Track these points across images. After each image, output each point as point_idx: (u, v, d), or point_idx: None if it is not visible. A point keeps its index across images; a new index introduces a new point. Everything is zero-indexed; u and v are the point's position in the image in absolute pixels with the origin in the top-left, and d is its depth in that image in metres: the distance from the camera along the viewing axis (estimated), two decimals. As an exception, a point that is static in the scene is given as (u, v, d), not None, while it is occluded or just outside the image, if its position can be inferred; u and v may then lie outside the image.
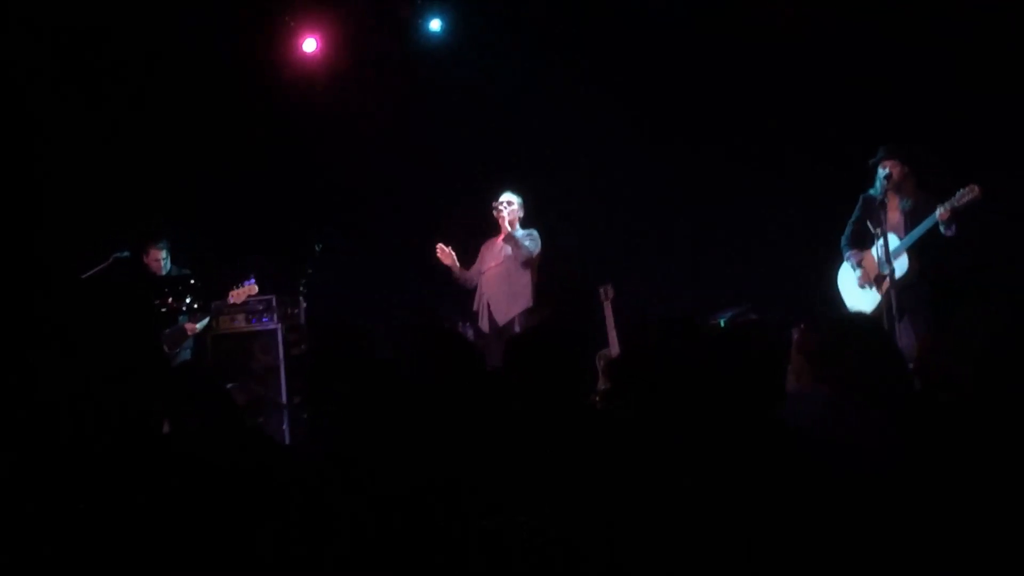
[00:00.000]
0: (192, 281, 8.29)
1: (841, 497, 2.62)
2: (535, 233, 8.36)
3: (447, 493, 2.71)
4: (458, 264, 8.52)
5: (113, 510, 2.67)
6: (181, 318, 8.42)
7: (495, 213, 8.37)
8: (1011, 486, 2.61)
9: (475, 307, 8.45)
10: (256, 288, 8.62)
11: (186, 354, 8.56)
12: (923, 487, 2.68)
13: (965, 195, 7.03)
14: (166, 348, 8.34)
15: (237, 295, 8.60)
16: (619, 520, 2.64)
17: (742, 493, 2.59)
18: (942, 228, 7.13)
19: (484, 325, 8.30)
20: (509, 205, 8.35)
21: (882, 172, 7.43)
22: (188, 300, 8.12)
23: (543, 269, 8.35)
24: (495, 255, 8.41)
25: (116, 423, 3.06)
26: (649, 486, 2.65)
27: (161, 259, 8.68)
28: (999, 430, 2.77)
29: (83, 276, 8.42)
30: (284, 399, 8.78)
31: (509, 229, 8.30)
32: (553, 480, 2.78)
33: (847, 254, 7.72)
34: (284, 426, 8.63)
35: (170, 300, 8.10)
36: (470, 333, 8.47)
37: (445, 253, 8.46)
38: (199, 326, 8.60)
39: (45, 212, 8.72)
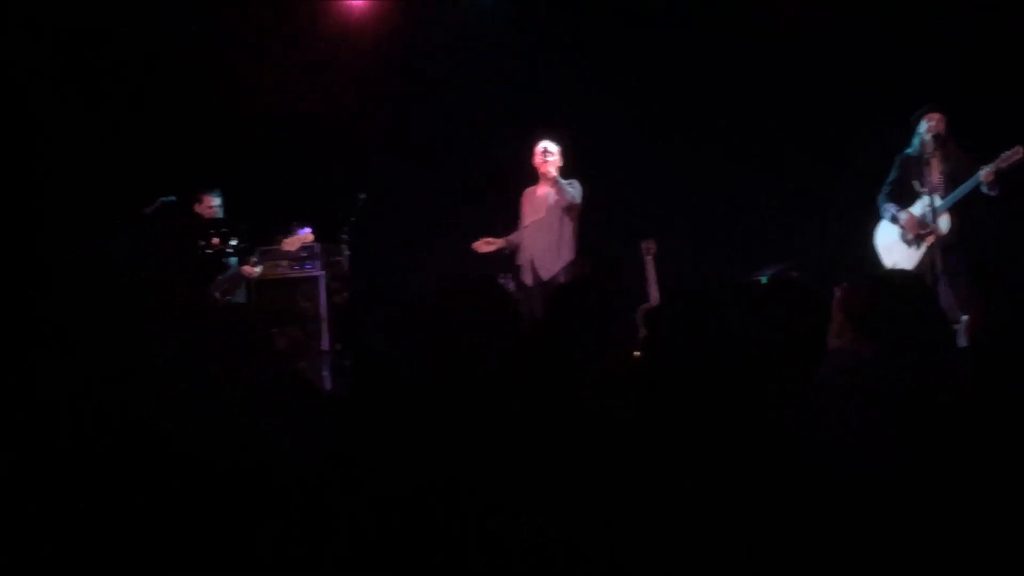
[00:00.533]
0: (240, 224, 8.20)
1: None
2: (576, 183, 8.31)
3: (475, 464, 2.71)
4: (502, 240, 8.51)
5: (113, 509, 2.67)
6: (231, 260, 8.34)
7: (538, 161, 8.31)
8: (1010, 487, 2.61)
9: (519, 261, 8.43)
10: (311, 236, 8.55)
11: (240, 298, 8.52)
12: (931, 484, 2.67)
13: (1010, 156, 7.02)
14: (218, 294, 8.27)
15: (290, 243, 8.53)
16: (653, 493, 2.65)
17: (784, 457, 2.60)
18: (985, 189, 7.12)
19: (528, 279, 8.27)
20: (551, 154, 8.29)
21: (924, 125, 7.40)
22: (234, 241, 8.06)
23: (585, 222, 8.33)
24: (537, 207, 8.36)
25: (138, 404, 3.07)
26: (691, 447, 2.65)
27: (215, 206, 8.50)
28: (999, 430, 2.77)
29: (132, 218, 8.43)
30: (326, 346, 8.83)
31: (553, 172, 8.25)
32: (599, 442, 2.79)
33: (886, 209, 7.65)
34: (325, 372, 8.69)
35: (215, 241, 8.05)
36: (511, 285, 8.50)
37: (487, 244, 8.47)
38: (257, 270, 8.44)
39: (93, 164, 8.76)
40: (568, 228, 8.21)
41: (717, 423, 2.71)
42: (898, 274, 5.15)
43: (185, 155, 9.10)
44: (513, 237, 8.48)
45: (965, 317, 5.94)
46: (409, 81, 9.80)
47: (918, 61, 8.24)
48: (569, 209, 8.21)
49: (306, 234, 8.53)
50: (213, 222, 8.37)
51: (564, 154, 8.32)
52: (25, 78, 8.66)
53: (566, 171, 8.30)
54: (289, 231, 8.55)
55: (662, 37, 9.23)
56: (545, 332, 3.48)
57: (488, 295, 3.28)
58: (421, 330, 3.16)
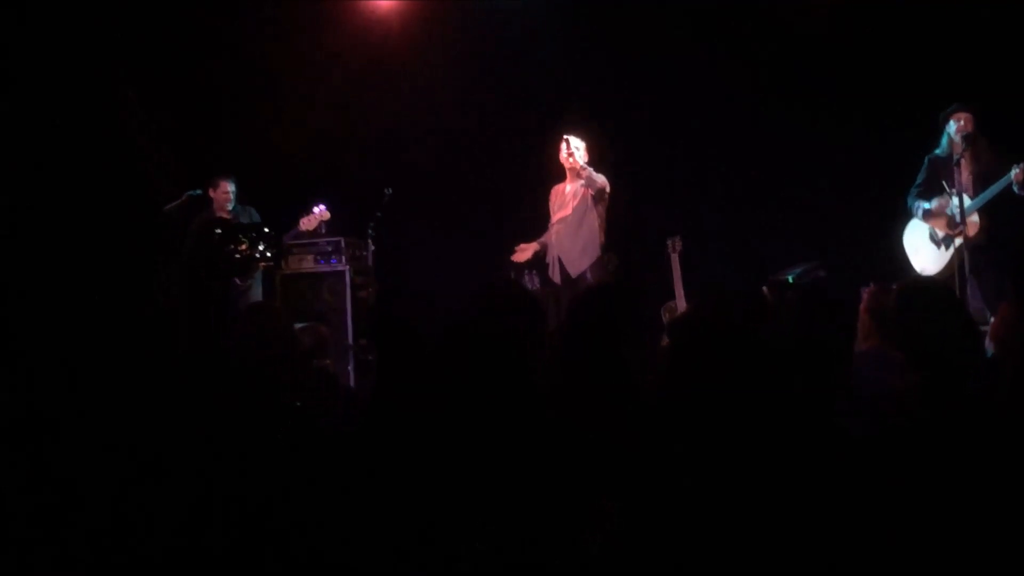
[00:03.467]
0: (267, 229, 8.26)
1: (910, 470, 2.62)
2: (603, 176, 8.25)
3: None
4: (535, 244, 8.44)
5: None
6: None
7: (563, 155, 8.25)
8: None
9: (547, 259, 8.37)
10: (328, 214, 8.77)
11: (256, 292, 8.59)
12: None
13: (1044, 155, 6.96)
14: (238, 281, 8.31)
15: (308, 222, 8.73)
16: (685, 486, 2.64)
17: (810, 462, 2.59)
18: (1016, 188, 7.04)
19: (555, 277, 8.21)
20: (577, 149, 8.23)
21: (953, 125, 7.33)
22: (262, 247, 8.09)
23: (612, 219, 8.29)
24: (564, 204, 8.30)
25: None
26: (715, 451, 2.64)
27: (230, 192, 8.68)
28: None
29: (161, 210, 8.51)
30: (350, 340, 8.84)
31: (580, 162, 8.20)
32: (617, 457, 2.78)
33: (918, 205, 7.57)
34: (349, 367, 8.70)
35: (244, 247, 8.08)
36: (536, 282, 8.47)
37: (522, 252, 8.44)
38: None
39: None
40: (594, 225, 8.16)
41: (742, 426, 2.69)
42: (923, 281, 5.10)
43: (210, 148, 9.15)
44: (545, 238, 8.43)
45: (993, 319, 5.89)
46: (436, 76, 9.79)
47: (949, 58, 8.16)
48: (597, 199, 8.14)
49: (322, 211, 8.71)
50: (243, 226, 8.40)
51: (590, 149, 8.28)
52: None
53: (592, 167, 8.24)
54: (306, 210, 8.69)
55: (693, 33, 9.17)
56: (569, 334, 3.47)
57: (515, 299, 3.28)
58: (450, 332, 3.16)
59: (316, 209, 8.77)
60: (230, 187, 8.71)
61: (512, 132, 9.68)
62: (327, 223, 8.89)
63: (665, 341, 3.70)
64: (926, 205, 7.46)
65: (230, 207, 8.70)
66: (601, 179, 8.12)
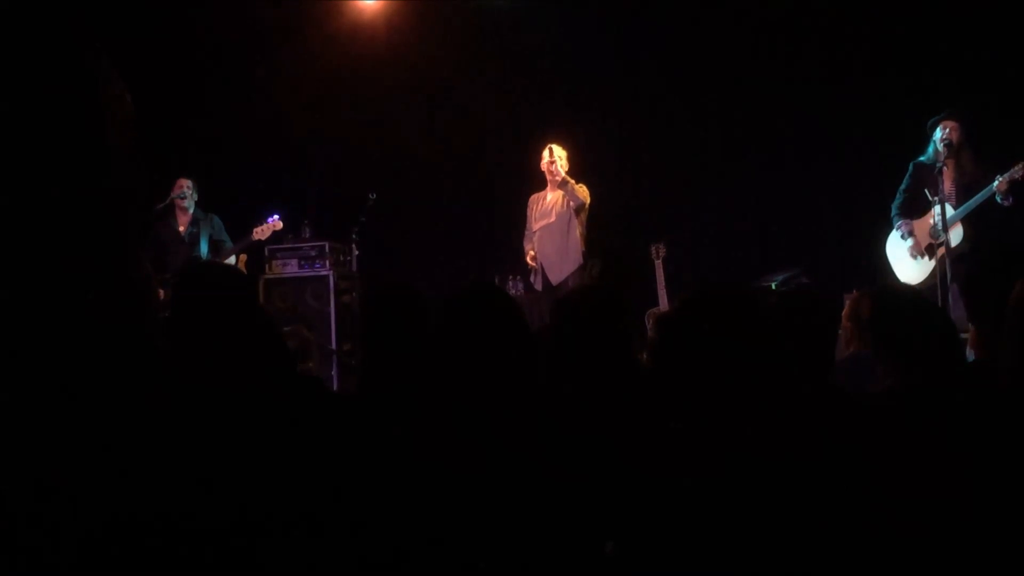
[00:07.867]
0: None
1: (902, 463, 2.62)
2: (583, 186, 8.27)
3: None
4: (530, 250, 8.42)
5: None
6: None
7: (545, 164, 8.27)
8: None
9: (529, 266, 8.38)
10: (281, 224, 8.63)
11: None
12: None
13: (1025, 166, 6.96)
14: None
15: (261, 231, 8.60)
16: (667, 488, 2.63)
17: (796, 461, 2.59)
18: (999, 198, 7.05)
19: (537, 284, 8.24)
20: (560, 159, 8.25)
21: (939, 133, 7.33)
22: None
23: (595, 225, 8.30)
24: (545, 212, 8.34)
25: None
26: (701, 454, 2.64)
27: (186, 189, 8.55)
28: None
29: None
30: (334, 345, 8.83)
31: (563, 173, 8.21)
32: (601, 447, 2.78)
33: (897, 224, 7.63)
34: (333, 372, 8.69)
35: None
36: (520, 288, 8.47)
37: (532, 260, 8.41)
38: None
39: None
40: (576, 232, 8.19)
41: (724, 428, 2.69)
42: (896, 288, 5.09)
43: (188, 149, 9.12)
44: (529, 245, 8.44)
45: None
46: (421, 81, 9.79)
47: (938, 66, 8.19)
48: (577, 211, 8.17)
49: (275, 221, 8.60)
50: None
51: (571, 158, 8.30)
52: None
53: (574, 174, 8.26)
54: (261, 220, 8.62)
55: (674, 39, 9.20)
56: (551, 338, 3.46)
57: (495, 303, 3.26)
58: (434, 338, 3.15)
59: (270, 219, 8.62)
60: (187, 182, 8.59)
61: (497, 137, 9.68)
62: (279, 233, 8.80)
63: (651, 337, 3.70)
64: (904, 230, 7.50)
65: (185, 204, 8.56)
66: (582, 193, 8.13)
